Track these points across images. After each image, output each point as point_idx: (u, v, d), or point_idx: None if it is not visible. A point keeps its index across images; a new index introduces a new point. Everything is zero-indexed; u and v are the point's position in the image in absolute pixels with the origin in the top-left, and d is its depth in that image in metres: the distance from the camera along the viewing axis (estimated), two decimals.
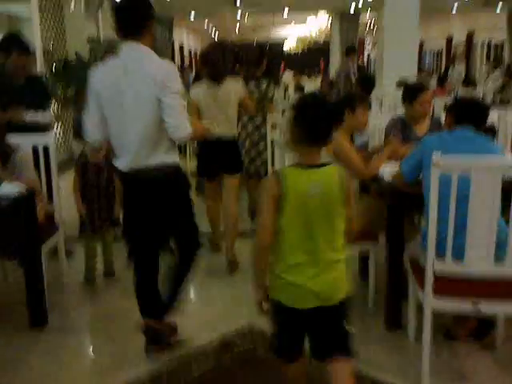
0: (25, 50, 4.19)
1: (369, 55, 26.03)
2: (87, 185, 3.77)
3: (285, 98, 9.05)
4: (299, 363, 2.19)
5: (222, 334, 3.17)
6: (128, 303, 3.41)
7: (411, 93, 3.90)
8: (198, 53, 10.24)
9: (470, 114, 2.80)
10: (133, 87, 2.58)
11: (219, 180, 4.25)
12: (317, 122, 2.01)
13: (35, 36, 8.96)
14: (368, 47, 25.94)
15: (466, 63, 17.97)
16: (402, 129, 3.96)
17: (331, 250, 2.03)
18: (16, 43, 4.17)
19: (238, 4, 13.16)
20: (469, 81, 10.47)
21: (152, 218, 2.78)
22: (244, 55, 5.39)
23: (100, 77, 2.68)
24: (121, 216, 3.58)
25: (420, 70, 15.10)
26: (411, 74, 10.07)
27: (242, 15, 16.48)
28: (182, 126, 2.62)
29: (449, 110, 3.00)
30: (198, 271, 3.28)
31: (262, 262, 2.10)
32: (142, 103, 2.59)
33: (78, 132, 3.82)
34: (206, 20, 20.02)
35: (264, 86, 4.95)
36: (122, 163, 2.74)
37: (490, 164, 2.55)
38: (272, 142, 4.33)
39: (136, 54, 2.64)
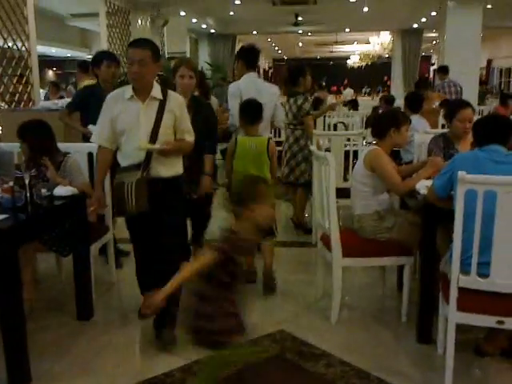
0: (114, 60, 4.74)
1: (435, 71, 25.58)
2: None
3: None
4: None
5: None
6: None
7: (451, 110, 3.92)
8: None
9: (491, 132, 2.80)
10: (262, 96, 4.27)
11: None
12: (249, 112, 4.00)
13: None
14: (435, 62, 25.53)
15: None
16: (444, 146, 3.97)
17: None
18: (105, 55, 4.80)
19: (298, 24, 13.39)
20: None
21: None
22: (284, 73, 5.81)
23: (239, 87, 4.52)
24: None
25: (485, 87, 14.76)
26: (473, 91, 9.92)
27: (304, 33, 16.69)
28: (282, 120, 4.88)
29: (472, 128, 3.00)
30: None
31: (228, 172, 4.11)
32: (266, 105, 4.24)
33: None
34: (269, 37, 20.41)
35: (300, 101, 5.31)
36: None
37: None
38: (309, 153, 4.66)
39: (256, 79, 4.74)
